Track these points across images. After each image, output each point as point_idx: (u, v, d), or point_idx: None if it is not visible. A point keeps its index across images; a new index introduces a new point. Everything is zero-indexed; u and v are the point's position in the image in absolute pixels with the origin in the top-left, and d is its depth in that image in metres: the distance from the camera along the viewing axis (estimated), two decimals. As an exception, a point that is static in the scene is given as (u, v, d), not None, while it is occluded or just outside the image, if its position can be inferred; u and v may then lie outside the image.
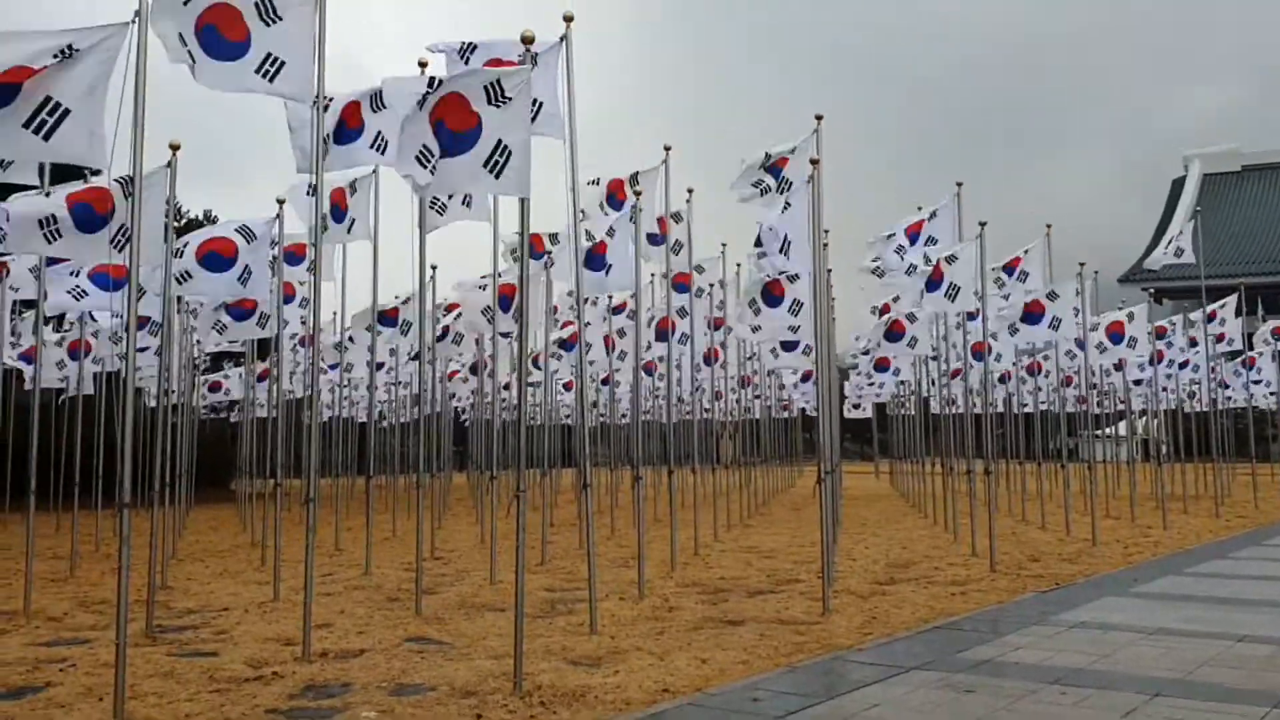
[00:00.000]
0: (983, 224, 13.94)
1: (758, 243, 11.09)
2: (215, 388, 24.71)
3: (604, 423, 30.15)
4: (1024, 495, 23.30)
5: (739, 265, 18.39)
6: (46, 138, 6.50)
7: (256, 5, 8.05)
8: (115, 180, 9.01)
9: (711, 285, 18.25)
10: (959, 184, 14.21)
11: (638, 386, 16.31)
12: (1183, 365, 24.90)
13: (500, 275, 13.77)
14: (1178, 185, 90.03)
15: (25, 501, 11.12)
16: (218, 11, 7.93)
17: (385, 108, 10.27)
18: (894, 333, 19.98)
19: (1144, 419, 35.03)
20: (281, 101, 9.26)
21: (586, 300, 15.51)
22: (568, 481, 28.83)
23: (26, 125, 6.43)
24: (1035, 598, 10.47)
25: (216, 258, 11.08)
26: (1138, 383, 27.29)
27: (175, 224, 11.03)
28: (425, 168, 7.25)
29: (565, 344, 18.04)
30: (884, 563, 13.64)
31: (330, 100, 9.26)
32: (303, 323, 15.35)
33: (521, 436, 8.32)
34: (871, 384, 30.95)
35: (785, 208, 10.69)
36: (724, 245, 17.59)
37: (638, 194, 12.65)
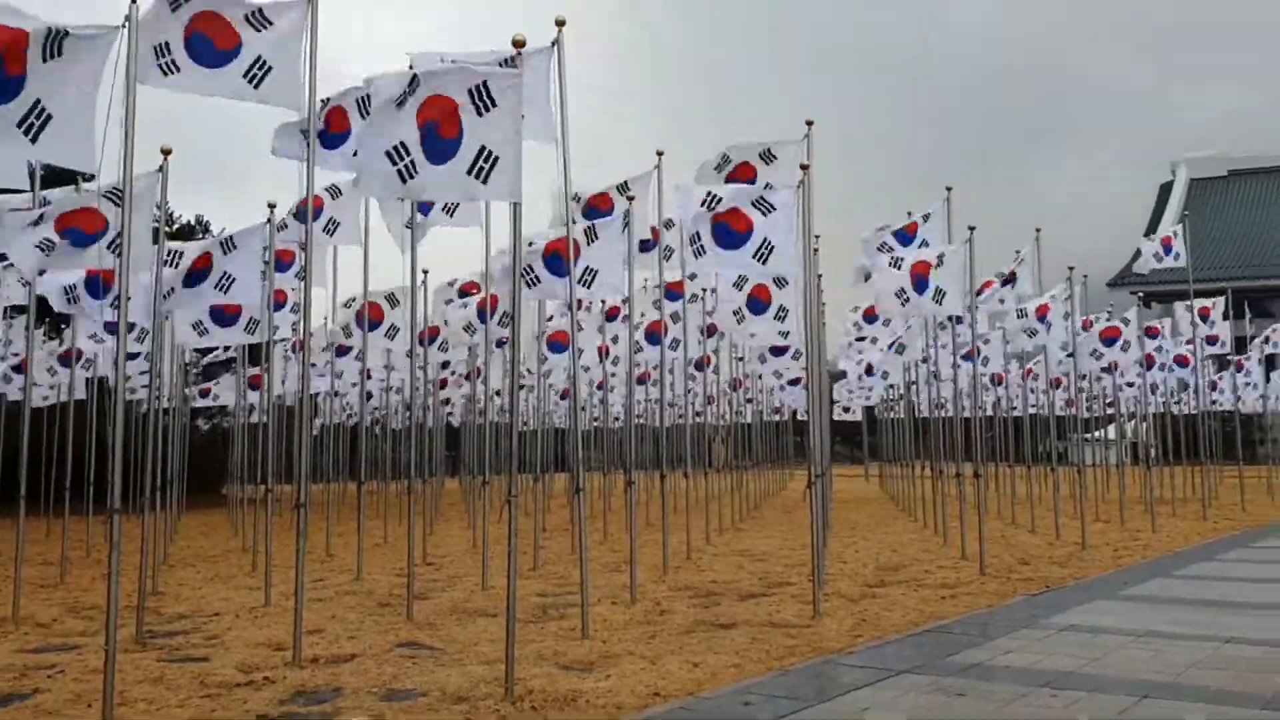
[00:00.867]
0: (972, 228, 14.00)
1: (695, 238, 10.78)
2: (205, 393, 24.64)
3: (597, 427, 30.20)
4: (1013, 499, 23.34)
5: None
6: (34, 139, 6.49)
7: (247, 16, 8.07)
8: (104, 195, 9.03)
9: (704, 291, 18.27)
10: (949, 189, 14.27)
11: (630, 391, 16.30)
12: (1180, 363, 25.00)
13: (492, 281, 13.80)
14: (1165, 190, 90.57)
15: (15, 506, 11.08)
16: (207, 20, 7.94)
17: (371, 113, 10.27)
18: (869, 316, 20.10)
19: (1133, 422, 35.17)
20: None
21: (581, 304, 15.55)
22: (560, 486, 28.83)
23: (18, 126, 6.43)
24: (1025, 601, 10.51)
25: (195, 271, 11.06)
26: (1130, 385, 27.40)
27: (167, 230, 11.03)
28: (396, 166, 7.06)
29: (554, 345, 18.04)
30: (874, 566, 13.67)
31: (323, 102, 9.25)
32: (294, 329, 15.34)
33: (514, 441, 8.31)
34: (861, 387, 31.01)
35: (713, 201, 10.47)
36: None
37: (630, 199, 12.66)
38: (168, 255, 10.93)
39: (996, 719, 5.85)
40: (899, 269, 13.59)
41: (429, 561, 14.84)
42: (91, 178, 8.63)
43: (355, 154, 8.64)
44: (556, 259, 11.12)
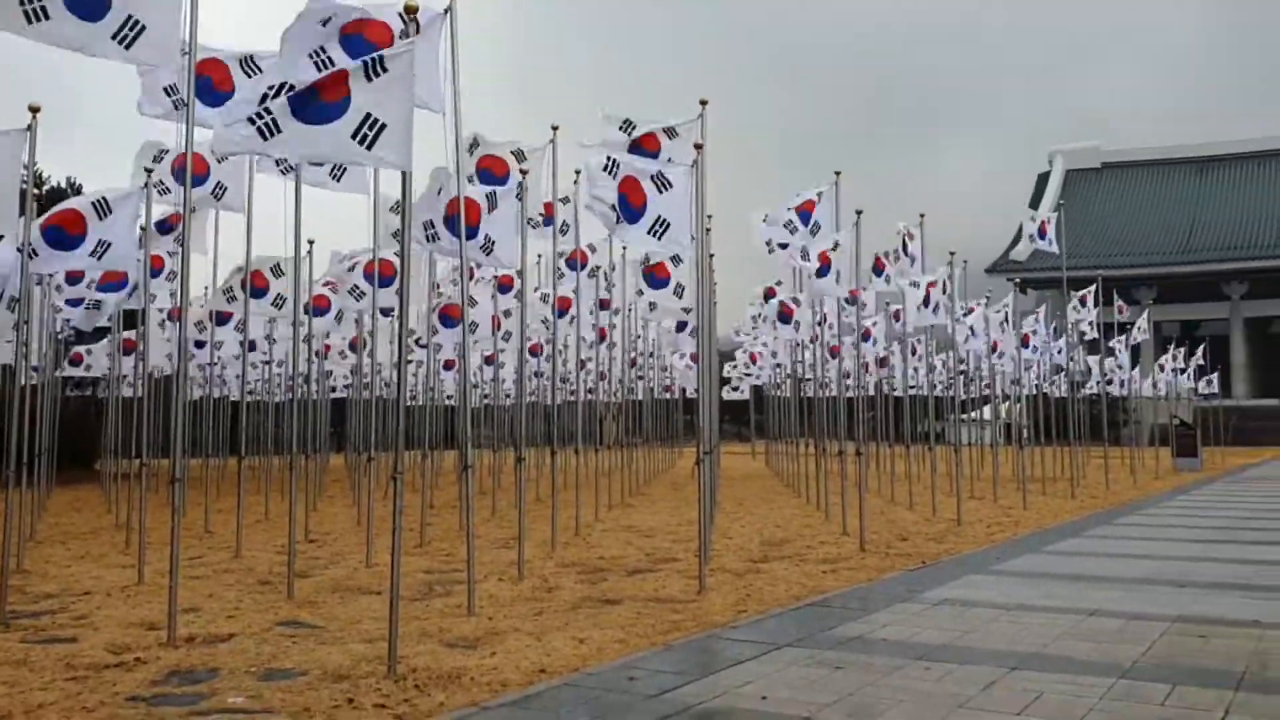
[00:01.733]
0: (859, 212, 14.34)
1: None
2: (76, 360, 23.60)
3: (488, 404, 29.95)
4: (893, 476, 24.03)
5: (625, 248, 18.45)
6: None
7: None
8: None
9: (599, 267, 18.27)
10: (837, 173, 14.53)
11: (522, 367, 16.21)
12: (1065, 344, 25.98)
13: (381, 250, 13.54)
14: (1043, 179, 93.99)
15: None
16: None
17: (260, 73, 9.92)
18: (784, 315, 20.42)
19: (1007, 404, 36.52)
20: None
21: (472, 277, 15.36)
22: (450, 463, 28.53)
23: None
24: (902, 576, 10.83)
25: (59, 232, 10.46)
26: (1016, 368, 28.43)
27: (36, 192, 10.49)
28: (256, 125, 6.66)
29: (446, 319, 17.78)
30: (759, 541, 13.92)
31: (184, 50, 8.87)
32: (171, 296, 14.79)
33: (400, 417, 8.17)
34: (750, 371, 31.50)
35: (613, 167, 10.38)
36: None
37: (524, 173, 12.54)
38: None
39: (874, 691, 6.03)
40: (809, 259, 13.99)
41: (311, 539, 14.54)
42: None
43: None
44: (456, 221, 10.94)
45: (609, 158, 10.48)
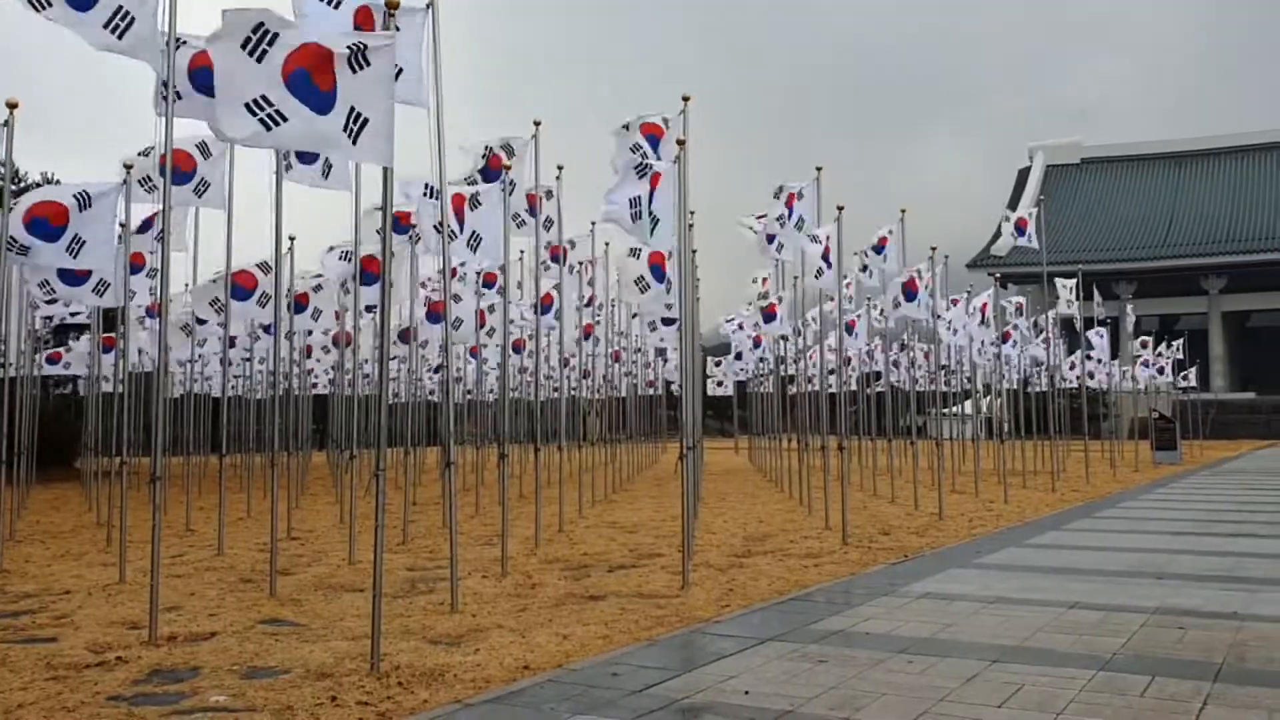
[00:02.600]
0: (840, 207, 14.38)
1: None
2: (55, 359, 23.42)
3: (471, 400, 29.89)
4: (875, 471, 24.14)
5: (608, 244, 18.47)
6: None
7: None
8: None
9: (581, 263, 18.26)
10: (819, 169, 14.56)
11: (505, 363, 16.18)
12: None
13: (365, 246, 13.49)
14: (1023, 175, 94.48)
15: None
16: None
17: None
18: (769, 314, 20.46)
19: (988, 398, 36.73)
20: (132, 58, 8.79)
21: (455, 274, 15.31)
22: (433, 460, 28.47)
23: None
24: (885, 569, 10.88)
25: (44, 224, 10.36)
26: (997, 357, 28.56)
27: (13, 188, 10.40)
28: (256, 116, 6.65)
29: (432, 315, 17.74)
30: (742, 536, 13.96)
31: (183, 42, 8.82)
32: (151, 294, 14.68)
33: (383, 413, 8.14)
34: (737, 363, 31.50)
35: (643, 171, 10.45)
36: (594, 223, 17.60)
37: (506, 168, 12.53)
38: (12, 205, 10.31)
39: (857, 684, 6.06)
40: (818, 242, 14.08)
41: (294, 536, 14.49)
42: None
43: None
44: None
45: (643, 160, 10.52)
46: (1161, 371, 40.84)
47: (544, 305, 16.86)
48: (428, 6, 9.35)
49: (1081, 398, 30.55)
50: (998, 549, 12.52)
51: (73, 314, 19.70)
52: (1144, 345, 40.17)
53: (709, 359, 41.56)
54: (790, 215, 14.46)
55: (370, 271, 14.20)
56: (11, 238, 10.52)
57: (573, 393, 22.65)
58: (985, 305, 22.03)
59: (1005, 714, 5.45)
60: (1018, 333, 27.04)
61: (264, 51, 6.64)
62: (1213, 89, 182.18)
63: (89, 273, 11.94)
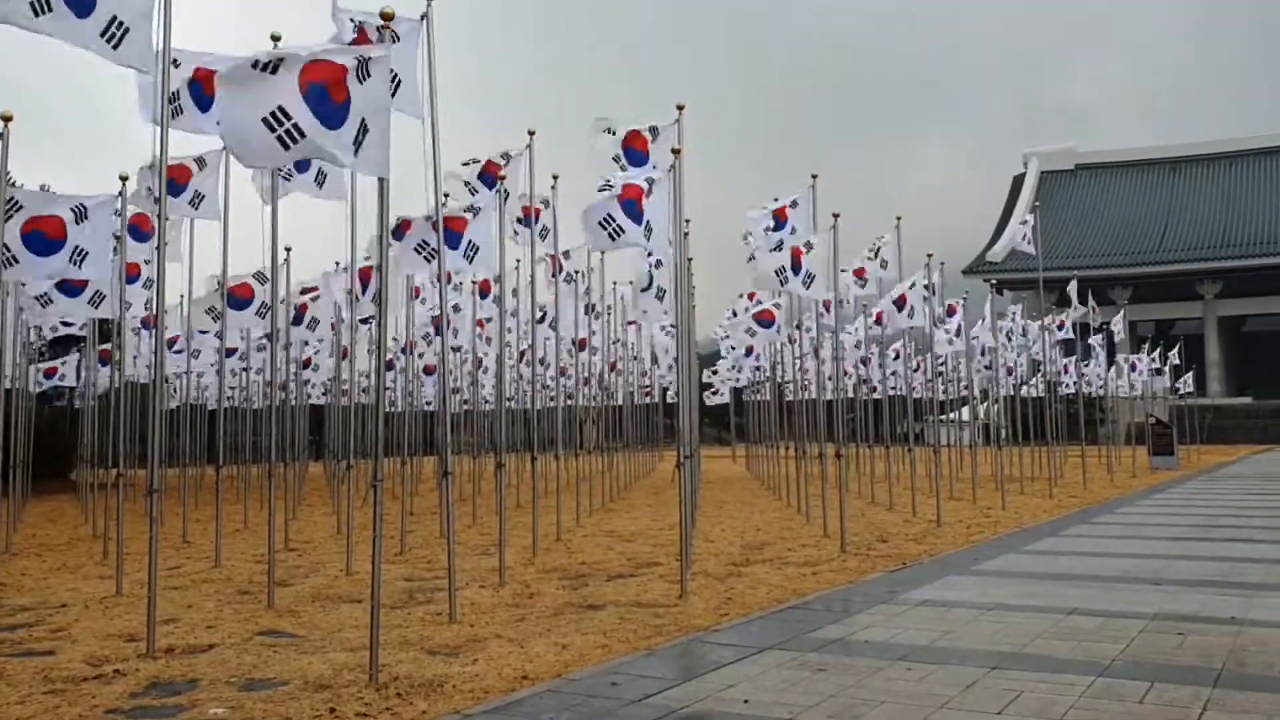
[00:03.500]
0: (836, 215, 14.39)
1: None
2: (50, 374, 23.40)
3: (467, 409, 29.88)
4: (873, 478, 24.14)
5: (603, 253, 18.46)
6: None
7: None
8: None
9: (578, 272, 18.28)
10: (814, 176, 14.59)
11: (502, 372, 16.16)
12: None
13: (367, 258, 13.48)
14: (1018, 181, 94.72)
15: None
16: None
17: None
18: (764, 320, 20.45)
19: (985, 404, 36.75)
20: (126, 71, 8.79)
21: (450, 283, 15.30)
22: (430, 470, 28.44)
23: None
24: (883, 577, 10.88)
25: (41, 237, 10.34)
26: (989, 367, 28.61)
27: (8, 202, 10.38)
28: (275, 132, 6.61)
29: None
30: (739, 544, 13.94)
31: (177, 61, 8.82)
32: (146, 306, 14.68)
33: (379, 423, 8.13)
34: (734, 369, 31.51)
35: (605, 188, 10.55)
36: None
37: (501, 179, 12.55)
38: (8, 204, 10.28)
39: (856, 692, 6.05)
40: (781, 250, 13.99)
41: (291, 547, 14.47)
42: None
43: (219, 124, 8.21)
44: (446, 232, 10.93)
45: (605, 180, 10.58)
46: (1158, 373, 40.90)
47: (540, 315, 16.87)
48: (422, 18, 9.38)
49: (1079, 403, 30.55)
50: (996, 555, 12.51)
51: (65, 323, 19.64)
52: (1135, 360, 40.19)
53: (704, 369, 41.61)
54: (782, 228, 14.49)
55: (365, 279, 14.19)
56: (5, 246, 10.50)
57: (569, 401, 22.65)
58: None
59: (1005, 721, 5.44)
60: (1014, 339, 27.09)
61: (276, 65, 6.60)
62: (1208, 93, 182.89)
63: (85, 283, 11.93)
